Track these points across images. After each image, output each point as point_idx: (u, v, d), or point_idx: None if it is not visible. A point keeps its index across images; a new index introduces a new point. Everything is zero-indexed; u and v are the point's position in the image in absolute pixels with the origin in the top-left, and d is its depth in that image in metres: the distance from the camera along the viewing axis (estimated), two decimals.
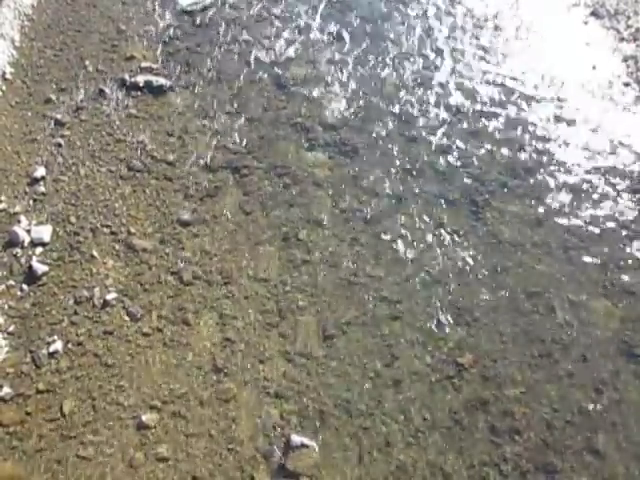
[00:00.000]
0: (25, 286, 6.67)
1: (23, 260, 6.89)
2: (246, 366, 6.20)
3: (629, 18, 10.18)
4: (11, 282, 6.70)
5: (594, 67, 9.47)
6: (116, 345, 6.28)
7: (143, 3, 10.62)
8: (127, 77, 9.14)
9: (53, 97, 8.83)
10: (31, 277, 6.73)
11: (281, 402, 5.96)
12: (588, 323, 6.65)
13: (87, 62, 9.43)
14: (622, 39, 9.88)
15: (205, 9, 10.54)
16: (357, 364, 6.25)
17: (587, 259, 7.22)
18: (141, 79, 9.10)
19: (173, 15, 10.39)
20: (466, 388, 6.09)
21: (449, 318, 6.61)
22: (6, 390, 5.83)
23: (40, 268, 6.78)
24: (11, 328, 6.30)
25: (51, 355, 6.11)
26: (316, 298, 6.78)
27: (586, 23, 10.32)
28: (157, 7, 10.53)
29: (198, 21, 10.30)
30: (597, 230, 7.52)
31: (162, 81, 9.12)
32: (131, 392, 5.94)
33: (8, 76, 9.06)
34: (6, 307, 6.49)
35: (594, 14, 10.40)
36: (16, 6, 10.26)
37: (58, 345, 6.17)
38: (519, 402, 6.03)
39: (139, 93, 9.00)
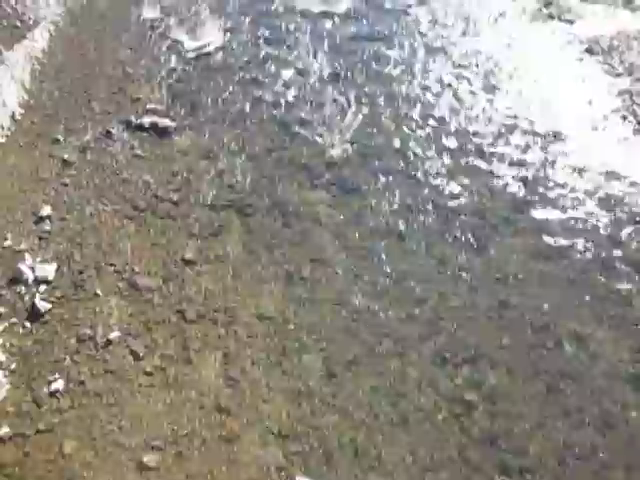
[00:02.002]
0: (28, 324, 6.64)
1: (27, 298, 6.88)
2: (250, 405, 6.10)
3: (623, 54, 10.43)
4: (14, 320, 6.67)
5: (590, 102, 9.64)
6: (118, 384, 6.20)
7: (150, 47, 10.93)
8: (133, 118, 9.33)
9: (61, 137, 9.00)
10: (34, 315, 6.70)
11: (285, 442, 5.82)
12: (596, 356, 6.55)
13: (94, 104, 9.64)
14: (617, 74, 10.10)
15: (210, 53, 10.84)
16: (363, 403, 6.15)
17: (592, 290, 7.18)
18: (147, 120, 9.29)
19: (179, 59, 10.68)
20: (475, 425, 5.97)
21: (455, 355, 6.52)
22: (5, 430, 5.72)
23: (43, 306, 6.76)
24: (13, 366, 6.24)
25: (52, 394, 6.03)
26: (320, 336, 6.72)
27: (581, 60, 10.57)
28: (163, 51, 10.83)
29: (203, 64, 10.58)
30: (600, 261, 7.50)
31: (167, 122, 9.30)
32: (132, 432, 5.83)
33: (18, 117, 9.27)
34: (8, 345, 6.45)
35: (588, 51, 10.65)
36: (27, 50, 10.58)
37: (59, 384, 6.10)
38: (529, 439, 5.90)
39: (145, 134, 9.17)
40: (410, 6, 12.00)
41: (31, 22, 11.34)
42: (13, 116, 9.27)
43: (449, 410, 6.09)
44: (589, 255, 7.58)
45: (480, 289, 7.20)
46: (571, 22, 11.40)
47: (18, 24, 11.27)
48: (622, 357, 6.57)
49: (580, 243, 7.72)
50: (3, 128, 9.04)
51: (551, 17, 11.54)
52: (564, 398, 6.23)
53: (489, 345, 6.66)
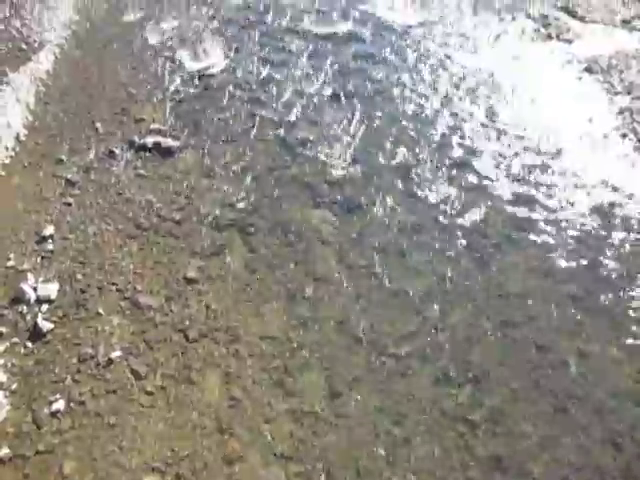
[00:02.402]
0: (29, 343, 6.63)
1: (29, 317, 6.88)
2: (252, 426, 6.05)
3: (622, 72, 10.53)
4: (15, 339, 6.66)
5: (590, 120, 9.71)
6: (119, 404, 6.16)
7: (153, 69, 11.07)
8: (136, 138, 9.42)
9: (64, 158, 9.08)
10: (36, 334, 6.70)
11: (288, 463, 5.77)
12: (602, 374, 6.50)
13: (98, 124, 9.75)
14: (616, 92, 10.18)
15: (212, 74, 10.97)
16: (366, 422, 6.09)
17: (596, 308, 7.14)
18: (150, 140, 9.37)
19: (182, 80, 10.81)
20: (479, 445, 5.90)
21: (458, 373, 6.48)
22: (5, 451, 5.69)
23: (45, 325, 6.76)
24: (14, 386, 6.22)
25: (53, 414, 5.99)
26: (323, 355, 6.68)
27: (580, 78, 10.66)
28: (167, 73, 10.96)
29: (206, 85, 10.70)
30: (603, 279, 7.48)
31: (170, 142, 9.37)
32: (133, 453, 5.78)
33: (22, 138, 9.37)
34: (9, 365, 6.43)
35: (587, 70, 10.76)
36: (33, 72, 10.73)
37: (60, 404, 6.06)
38: (534, 460, 5.82)
39: (148, 154, 9.25)
40: (410, 27, 12.16)
41: (36, 45, 11.53)
42: (17, 137, 9.37)
43: (452, 430, 6.04)
44: (592, 273, 7.56)
45: (482, 307, 7.17)
46: (570, 42, 11.54)
47: (24, 47, 11.44)
48: (628, 376, 6.52)
49: (583, 261, 7.71)
50: (7, 149, 9.12)
51: (550, 37, 11.68)
52: (569, 418, 6.17)
53: (492, 364, 6.61)
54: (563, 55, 11.24)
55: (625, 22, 11.83)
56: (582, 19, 12.08)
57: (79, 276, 7.41)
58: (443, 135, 9.60)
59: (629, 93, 10.07)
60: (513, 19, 12.32)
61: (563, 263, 7.68)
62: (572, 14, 12.22)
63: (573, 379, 6.47)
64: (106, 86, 10.64)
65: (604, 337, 6.85)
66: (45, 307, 7.01)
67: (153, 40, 11.86)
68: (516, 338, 6.85)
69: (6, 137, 9.30)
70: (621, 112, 9.80)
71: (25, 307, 6.99)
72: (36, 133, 9.56)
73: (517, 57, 11.28)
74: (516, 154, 9.23)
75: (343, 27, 12.11)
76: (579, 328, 6.96)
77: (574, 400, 6.29)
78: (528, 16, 12.37)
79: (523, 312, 7.11)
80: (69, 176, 8.78)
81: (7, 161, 8.94)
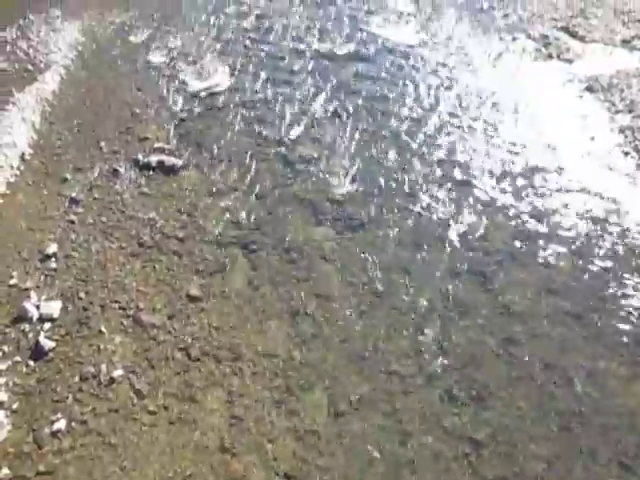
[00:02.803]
0: (31, 362, 6.61)
1: (31, 336, 6.86)
2: (254, 445, 5.98)
3: (623, 91, 10.60)
4: (17, 358, 6.64)
5: (593, 138, 9.75)
6: (121, 424, 6.11)
7: (158, 89, 11.19)
8: (140, 157, 9.49)
9: (69, 176, 9.14)
10: (38, 353, 6.68)
11: None
12: (608, 393, 6.43)
13: (103, 143, 9.83)
14: (617, 111, 10.24)
15: (216, 93, 11.07)
16: (369, 442, 6.02)
17: (600, 326, 7.09)
18: (154, 159, 9.43)
19: (185, 99, 10.92)
20: (484, 466, 5.82)
21: (463, 392, 6.42)
22: (5, 472, 5.64)
23: (47, 344, 6.74)
24: (15, 406, 6.18)
25: (54, 434, 5.95)
26: (326, 373, 6.64)
27: (581, 97, 10.73)
28: (170, 92, 11.08)
29: (209, 104, 10.80)
30: (607, 296, 7.44)
31: (174, 160, 9.44)
32: (135, 474, 5.72)
33: (27, 157, 9.45)
34: (11, 384, 6.39)
35: (588, 89, 10.84)
36: (38, 92, 10.87)
37: (61, 424, 6.02)
38: None
39: (151, 172, 9.31)
40: (412, 46, 12.29)
41: (42, 66, 11.68)
42: (23, 156, 9.45)
43: (457, 449, 5.96)
44: (596, 290, 7.52)
45: (486, 325, 7.13)
46: (570, 61, 11.64)
47: (30, 67, 11.60)
48: (634, 394, 6.44)
49: (586, 278, 7.68)
50: (12, 167, 9.19)
51: (550, 56, 11.79)
52: (576, 437, 6.09)
53: (497, 382, 6.55)
54: (564, 74, 11.32)
55: (625, 42, 11.94)
56: (582, 39, 12.20)
57: (82, 294, 7.41)
58: (445, 153, 9.64)
59: (630, 112, 10.13)
60: (514, 39, 12.45)
61: (566, 280, 7.65)
62: (572, 34, 12.36)
63: (579, 398, 6.40)
64: (111, 105, 10.75)
65: (609, 355, 6.79)
66: (47, 325, 6.99)
67: (157, 60, 12.02)
68: (520, 356, 6.80)
69: (11, 156, 9.38)
70: (622, 130, 9.84)
71: (27, 325, 6.98)
72: (41, 152, 9.64)
73: (518, 76, 11.38)
74: (518, 172, 9.25)
75: (345, 47, 12.26)
76: (584, 346, 6.90)
77: (580, 419, 6.21)
78: (528, 36, 12.50)
79: (527, 329, 7.07)
80: (73, 194, 8.84)
81: (12, 180, 9.01)
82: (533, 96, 10.81)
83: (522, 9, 13.38)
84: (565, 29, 12.51)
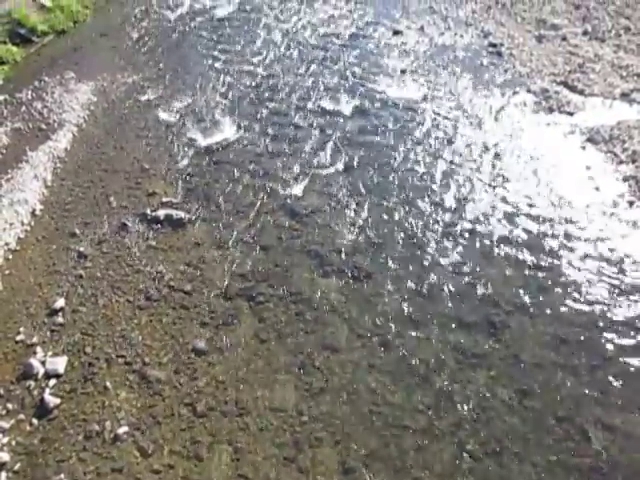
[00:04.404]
0: (35, 420, 6.51)
1: (36, 392, 6.79)
2: None
3: (624, 142, 10.74)
4: (21, 416, 6.54)
5: (597, 188, 9.80)
6: None
7: (166, 145, 11.46)
8: (149, 211, 9.62)
9: (78, 231, 9.26)
10: (42, 410, 6.59)
11: None
12: (626, 448, 6.20)
13: (112, 198, 10.00)
14: (620, 161, 10.34)
15: (223, 149, 11.32)
16: None
17: (614, 378, 6.92)
18: (162, 213, 9.56)
19: (193, 154, 11.16)
20: None
21: (476, 447, 6.22)
22: None
23: (52, 401, 6.65)
24: (17, 466, 6.05)
25: None
26: (335, 429, 6.47)
27: (584, 148, 10.86)
28: (179, 147, 11.34)
29: (216, 159, 11.03)
30: (619, 346, 7.28)
31: (181, 214, 9.56)
32: None
33: (37, 212, 9.62)
34: (14, 443, 6.28)
35: (590, 140, 10.99)
36: (51, 150, 11.17)
37: None
38: None
39: (159, 226, 9.41)
40: (416, 102, 12.59)
41: (56, 125, 12.05)
42: (33, 212, 9.62)
43: None
44: (609, 342, 7.36)
45: (498, 377, 6.97)
46: (571, 114, 11.86)
47: (43, 127, 11.96)
48: None
49: (596, 328, 7.53)
50: (23, 224, 9.34)
51: (551, 110, 12.02)
52: None
53: (511, 436, 6.34)
54: (565, 126, 11.52)
55: (624, 95, 12.19)
56: (582, 92, 12.47)
57: (88, 349, 7.37)
58: (450, 204, 9.70)
59: (634, 162, 10.23)
60: (514, 93, 12.74)
61: (576, 330, 7.52)
62: (572, 88, 12.64)
63: (596, 453, 6.17)
64: (121, 162, 11.00)
65: (626, 408, 6.60)
66: (53, 382, 6.93)
67: (167, 117, 12.37)
68: (534, 408, 6.62)
69: (23, 212, 9.55)
70: (626, 180, 9.91)
71: (33, 382, 6.92)
72: (52, 207, 9.82)
73: (520, 129, 11.57)
74: (524, 222, 9.26)
75: (349, 103, 12.57)
76: (599, 398, 6.71)
77: (599, 476, 5.97)
78: (529, 90, 12.79)
79: (540, 381, 6.91)
80: (81, 249, 8.92)
81: (22, 235, 9.13)
82: (536, 148, 10.96)
83: (521, 65, 13.75)
84: (564, 83, 12.81)
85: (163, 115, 12.45)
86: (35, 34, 15.92)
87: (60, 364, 7.09)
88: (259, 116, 12.29)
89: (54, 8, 16.93)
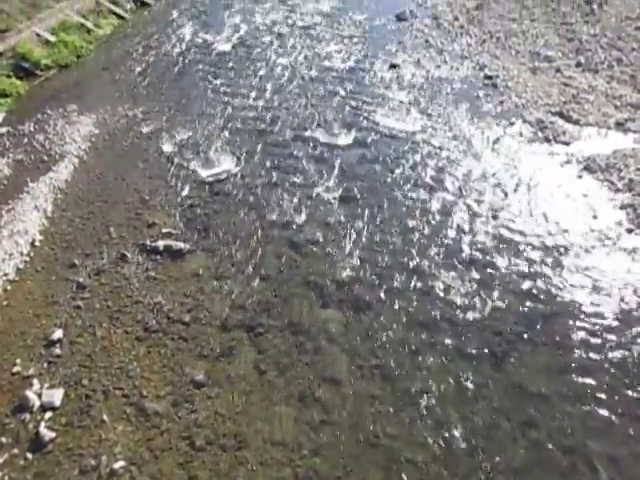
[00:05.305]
0: (30, 454, 6.38)
1: (31, 426, 6.68)
2: None
3: (620, 171, 10.84)
4: (15, 451, 6.42)
5: (595, 216, 9.85)
6: None
7: (167, 176, 11.53)
8: (148, 242, 9.62)
9: (77, 262, 9.25)
10: (37, 444, 6.47)
11: None
12: None
13: (112, 229, 10.02)
14: (617, 190, 10.41)
15: (223, 180, 11.38)
16: None
17: (621, 407, 6.82)
18: (161, 244, 9.56)
19: (192, 186, 11.22)
20: None
21: None
22: None
23: (47, 434, 6.54)
24: None
25: None
26: (336, 462, 6.35)
27: (580, 177, 10.94)
28: (179, 179, 11.40)
29: (215, 190, 11.08)
30: (623, 374, 7.20)
31: (181, 245, 9.56)
32: None
33: (37, 243, 9.62)
34: (7, 479, 6.13)
35: (587, 169, 11.09)
36: (52, 182, 11.23)
37: None
38: None
39: (159, 257, 9.40)
40: (414, 133, 12.73)
41: (57, 156, 12.15)
42: (33, 243, 9.63)
43: None
44: (613, 370, 7.29)
45: (501, 408, 6.87)
46: (567, 143, 11.99)
47: (45, 158, 12.07)
48: None
49: (598, 357, 7.47)
50: (22, 254, 9.33)
51: (547, 139, 12.16)
52: None
53: (517, 469, 6.21)
54: (562, 156, 11.63)
55: (619, 124, 12.35)
56: (577, 122, 12.63)
57: (85, 381, 7.27)
58: (449, 234, 9.71)
59: (630, 190, 10.31)
60: (511, 124, 12.90)
61: (579, 359, 7.45)
62: (567, 118, 12.81)
63: None
64: (121, 193, 11.05)
65: (633, 438, 6.48)
66: (48, 414, 6.82)
67: (167, 149, 12.47)
68: (539, 440, 6.51)
69: (22, 243, 9.55)
70: (624, 208, 9.97)
71: (28, 415, 6.81)
72: (51, 238, 9.82)
73: (517, 159, 11.68)
74: (523, 251, 9.26)
75: (347, 134, 12.70)
76: (605, 429, 6.61)
77: None
78: (524, 121, 12.95)
79: (544, 412, 6.80)
80: (80, 280, 8.89)
81: (21, 266, 9.12)
82: (533, 177, 11.04)
83: (516, 96, 13.95)
84: (560, 114, 12.99)
85: (163, 147, 12.57)
86: (39, 68, 16.20)
87: (56, 396, 6.99)
88: (258, 148, 12.39)
89: (58, 43, 17.26)
